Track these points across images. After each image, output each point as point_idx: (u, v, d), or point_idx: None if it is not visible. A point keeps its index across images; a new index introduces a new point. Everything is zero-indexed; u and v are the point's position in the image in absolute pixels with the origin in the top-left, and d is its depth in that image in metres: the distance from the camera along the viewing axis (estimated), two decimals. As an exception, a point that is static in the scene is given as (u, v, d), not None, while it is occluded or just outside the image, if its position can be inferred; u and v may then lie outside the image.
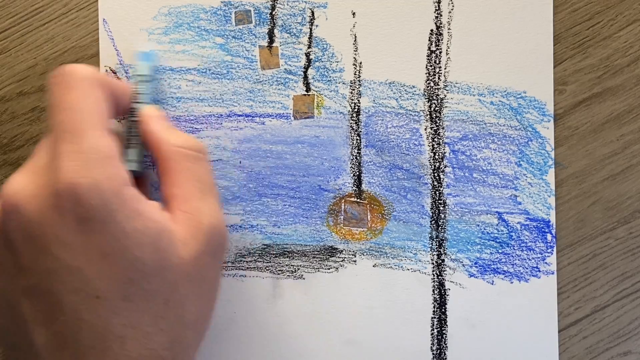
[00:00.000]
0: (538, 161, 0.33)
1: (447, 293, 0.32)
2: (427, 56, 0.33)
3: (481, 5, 0.32)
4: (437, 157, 0.33)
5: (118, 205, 0.24)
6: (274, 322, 0.32)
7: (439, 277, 0.33)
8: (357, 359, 0.32)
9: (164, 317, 0.25)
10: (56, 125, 0.25)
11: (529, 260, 0.32)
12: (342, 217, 0.33)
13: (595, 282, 0.33)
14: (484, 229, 0.33)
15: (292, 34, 0.33)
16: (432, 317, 0.32)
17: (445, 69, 0.33)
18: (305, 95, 0.33)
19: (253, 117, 0.33)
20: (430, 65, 0.33)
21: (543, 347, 0.32)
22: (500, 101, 0.33)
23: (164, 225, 0.25)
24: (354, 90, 0.33)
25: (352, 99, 0.33)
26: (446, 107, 0.33)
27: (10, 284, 0.25)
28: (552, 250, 0.32)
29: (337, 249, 0.33)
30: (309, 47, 0.33)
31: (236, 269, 0.33)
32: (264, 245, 0.33)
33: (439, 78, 0.33)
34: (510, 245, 0.33)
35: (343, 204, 0.33)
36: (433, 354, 0.32)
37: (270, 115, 0.33)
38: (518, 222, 0.33)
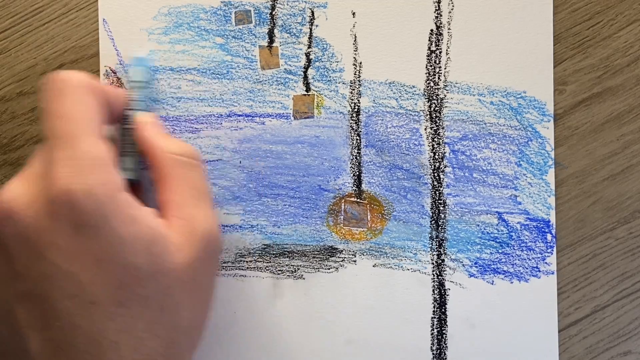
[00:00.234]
0: (538, 161, 0.33)
1: (447, 293, 0.32)
2: (427, 56, 0.33)
3: (481, 5, 0.32)
4: (437, 157, 0.33)
5: (112, 211, 0.24)
6: (274, 322, 0.32)
7: (439, 277, 0.33)
8: (357, 359, 0.32)
9: (158, 322, 0.25)
10: (50, 132, 0.25)
11: (529, 260, 0.32)
12: (342, 217, 0.33)
13: (595, 282, 0.33)
14: (484, 229, 0.33)
15: (292, 34, 0.33)
16: (432, 317, 0.32)
17: (445, 69, 0.33)
18: (305, 95, 0.33)
19: (253, 117, 0.33)
20: (430, 65, 0.33)
21: (543, 347, 0.32)
22: (500, 101, 0.33)
23: (158, 231, 0.25)
24: (354, 90, 0.33)
25: (352, 99, 0.33)
26: (446, 107, 0.33)
27: (5, 289, 0.25)
28: (552, 250, 0.32)
29: (337, 249, 0.33)
30: (309, 47, 0.33)
31: (236, 269, 0.33)
32: (264, 245, 0.33)
33: (439, 78, 0.33)
34: (510, 245, 0.33)
35: (343, 204, 0.33)
36: (433, 354, 0.32)
37: (270, 115, 0.33)
38: (518, 222, 0.33)
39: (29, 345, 0.24)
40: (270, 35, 0.33)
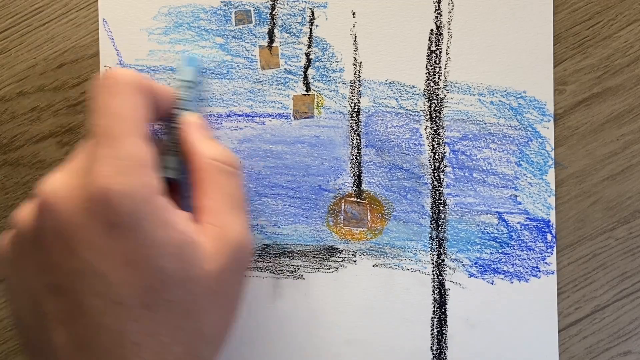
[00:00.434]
0: (538, 161, 0.33)
1: (447, 293, 0.32)
2: (427, 56, 0.33)
3: (481, 5, 0.32)
4: (437, 157, 0.33)
5: (147, 214, 0.24)
6: (274, 322, 0.32)
7: (439, 277, 0.33)
8: (357, 359, 0.32)
9: (182, 328, 0.25)
10: (96, 128, 0.26)
11: (529, 260, 0.32)
12: (342, 217, 0.33)
13: (595, 282, 0.33)
14: (484, 229, 0.33)
15: (292, 34, 0.33)
16: (432, 317, 0.32)
17: (445, 69, 0.33)
18: (305, 95, 0.33)
19: (253, 117, 0.33)
20: (430, 65, 0.33)
21: (543, 347, 0.32)
22: (500, 101, 0.33)
23: (190, 237, 0.25)
24: (354, 90, 0.33)
25: (352, 99, 0.33)
26: (446, 107, 0.33)
27: (36, 281, 0.25)
28: (552, 250, 0.32)
29: (337, 249, 0.33)
30: (309, 47, 0.33)
31: (236, 269, 0.33)
32: (264, 245, 0.33)
33: (439, 78, 0.33)
34: (510, 245, 0.33)
35: (343, 204, 0.33)
36: (433, 354, 0.32)
37: (270, 115, 0.33)
38: (518, 222, 0.33)
39: (53, 338, 0.25)
40: (270, 35, 0.33)
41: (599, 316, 0.33)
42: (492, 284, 0.32)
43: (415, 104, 0.33)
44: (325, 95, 0.33)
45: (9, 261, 0.27)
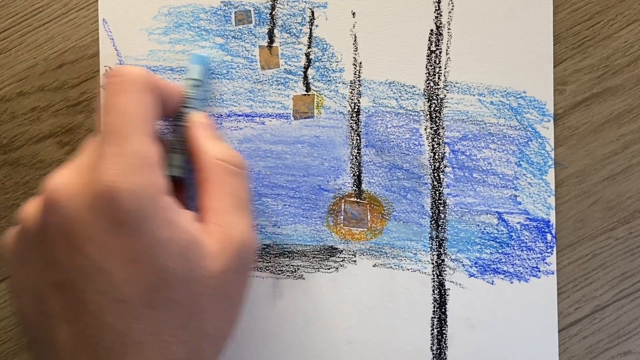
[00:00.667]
0: (538, 161, 0.33)
1: (447, 293, 0.32)
2: (427, 56, 0.33)
3: (481, 5, 0.32)
4: (437, 157, 0.33)
5: (152, 213, 0.24)
6: (274, 322, 0.32)
7: (439, 277, 0.33)
8: (357, 359, 0.32)
9: (184, 327, 0.25)
10: (103, 126, 0.26)
11: (529, 260, 0.32)
12: (342, 217, 0.33)
13: (595, 282, 0.33)
14: (484, 229, 0.33)
15: (292, 34, 0.33)
16: (432, 317, 0.32)
17: (445, 69, 0.33)
18: (305, 95, 0.33)
19: (253, 117, 0.33)
20: (430, 65, 0.33)
21: (543, 347, 0.32)
22: (500, 101, 0.33)
23: (195, 237, 0.25)
24: (353, 90, 0.33)
25: (352, 99, 0.33)
26: (446, 107, 0.33)
27: (41, 277, 0.25)
28: (552, 250, 0.32)
29: (337, 249, 0.33)
30: (309, 47, 0.33)
31: (236, 269, 0.33)
32: (264, 245, 0.33)
33: (439, 78, 0.33)
34: (510, 245, 0.33)
35: (343, 204, 0.33)
36: (433, 354, 0.32)
37: (270, 115, 0.33)
38: (518, 222, 0.33)
39: (55, 335, 0.25)
40: (270, 35, 0.33)
41: (599, 316, 0.33)
42: (492, 284, 0.32)
43: (415, 104, 0.33)
44: (325, 95, 0.33)
45: (14, 257, 0.27)
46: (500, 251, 0.33)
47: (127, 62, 0.33)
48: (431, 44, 0.33)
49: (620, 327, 0.33)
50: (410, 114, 0.33)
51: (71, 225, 0.24)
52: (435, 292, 0.33)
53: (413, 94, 0.33)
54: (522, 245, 0.32)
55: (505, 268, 0.32)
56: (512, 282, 0.32)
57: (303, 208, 0.33)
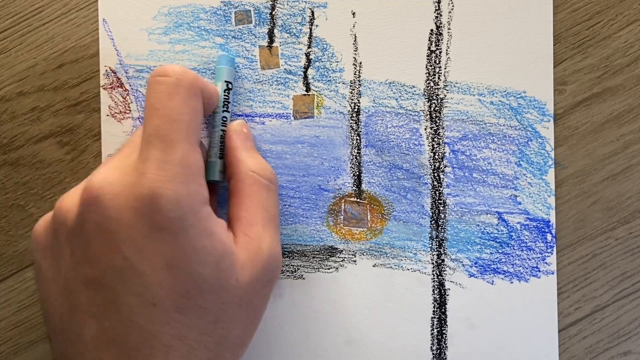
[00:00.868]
0: (538, 161, 0.33)
1: (447, 293, 0.32)
2: (427, 56, 0.33)
3: (481, 5, 0.32)
4: (437, 157, 0.33)
5: (193, 222, 0.25)
6: (274, 322, 0.32)
7: (439, 277, 0.33)
8: (357, 359, 0.32)
9: (210, 335, 0.25)
10: (151, 128, 0.26)
11: (529, 260, 0.32)
12: (342, 217, 0.33)
13: (595, 282, 0.33)
14: (484, 229, 0.33)
15: (292, 34, 0.33)
16: (432, 317, 0.32)
17: (445, 69, 0.33)
18: (305, 95, 0.33)
19: (253, 117, 0.33)
20: (430, 65, 0.33)
21: (543, 347, 0.32)
22: (500, 101, 0.33)
23: (229, 248, 0.26)
24: (353, 90, 0.33)
25: (352, 99, 0.33)
26: (446, 107, 0.33)
27: (73, 271, 0.25)
28: (552, 250, 0.32)
29: (337, 249, 0.33)
30: (309, 47, 0.33)
31: (236, 269, 0.33)
32: (264, 245, 0.33)
33: (439, 78, 0.33)
34: (510, 245, 0.33)
35: (343, 204, 0.33)
36: (433, 353, 0.32)
37: (270, 115, 0.33)
38: (518, 222, 0.33)
39: (84, 330, 0.25)
40: (270, 35, 0.33)
41: (599, 316, 0.33)
42: (492, 284, 0.32)
43: (415, 104, 0.33)
44: (325, 95, 0.33)
45: (45, 247, 0.27)
46: (500, 251, 0.33)
47: (127, 62, 0.33)
48: (431, 44, 0.33)
49: (620, 327, 0.33)
50: (410, 114, 0.33)
51: (111, 224, 0.24)
52: (435, 292, 0.33)
53: (413, 94, 0.33)
54: (522, 245, 0.32)
55: (505, 268, 0.32)
56: (512, 282, 0.32)
57: (303, 208, 0.33)
